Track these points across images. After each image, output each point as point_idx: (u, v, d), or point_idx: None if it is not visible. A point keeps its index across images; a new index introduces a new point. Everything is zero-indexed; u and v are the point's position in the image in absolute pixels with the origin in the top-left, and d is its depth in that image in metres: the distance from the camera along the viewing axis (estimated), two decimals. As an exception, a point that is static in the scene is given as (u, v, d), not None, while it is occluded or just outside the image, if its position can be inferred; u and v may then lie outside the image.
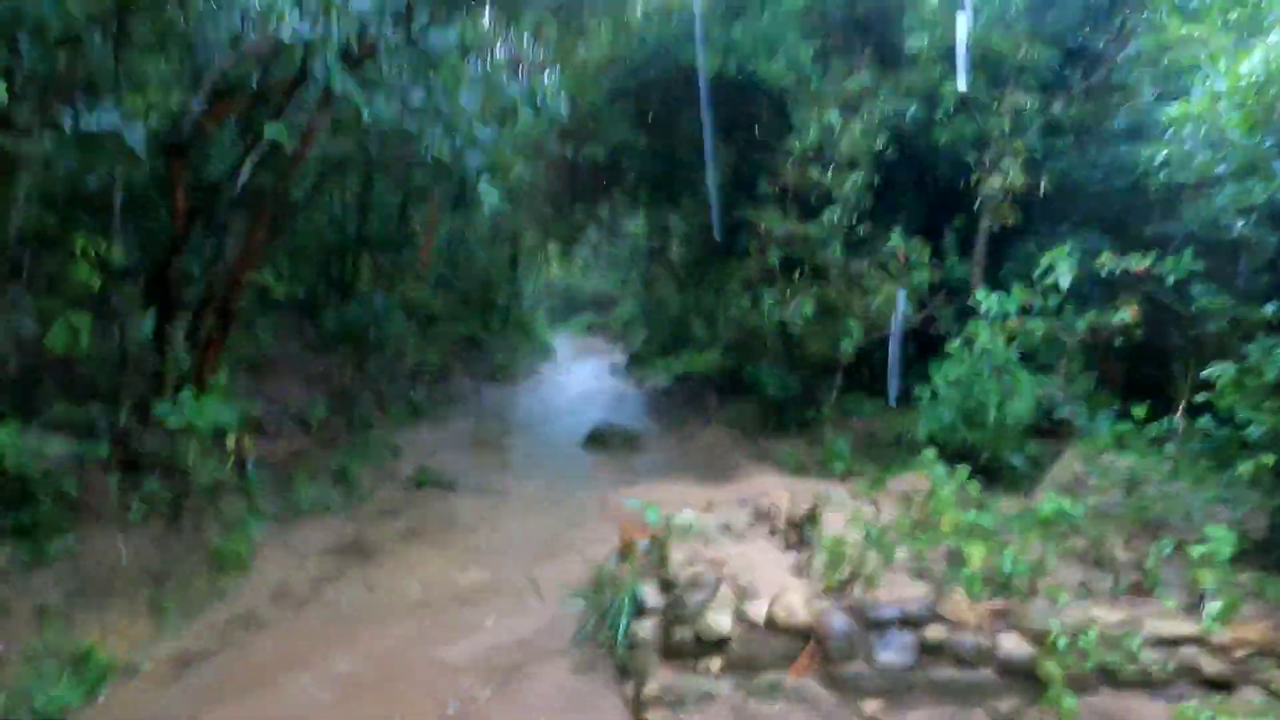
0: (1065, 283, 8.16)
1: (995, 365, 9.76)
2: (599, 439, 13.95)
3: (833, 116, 11.43)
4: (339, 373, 12.79)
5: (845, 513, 7.27)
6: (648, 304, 25.93)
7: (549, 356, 26.82)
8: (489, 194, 7.64)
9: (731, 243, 15.50)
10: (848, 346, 11.07)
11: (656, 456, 13.19)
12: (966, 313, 11.49)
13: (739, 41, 11.48)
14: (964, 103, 10.22)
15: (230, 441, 8.41)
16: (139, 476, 6.74)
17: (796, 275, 11.54)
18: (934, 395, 10.47)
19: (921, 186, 11.77)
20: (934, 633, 5.15)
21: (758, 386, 13.79)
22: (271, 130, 6.54)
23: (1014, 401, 9.88)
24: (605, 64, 11.87)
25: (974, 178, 10.57)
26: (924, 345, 12.22)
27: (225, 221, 8.61)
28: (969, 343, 9.80)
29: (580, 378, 22.53)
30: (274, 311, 12.98)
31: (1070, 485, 8.89)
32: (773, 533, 7.23)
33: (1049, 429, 10.44)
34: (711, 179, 13.03)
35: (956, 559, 6.16)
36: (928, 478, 7.80)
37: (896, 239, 10.62)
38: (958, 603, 5.30)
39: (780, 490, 9.34)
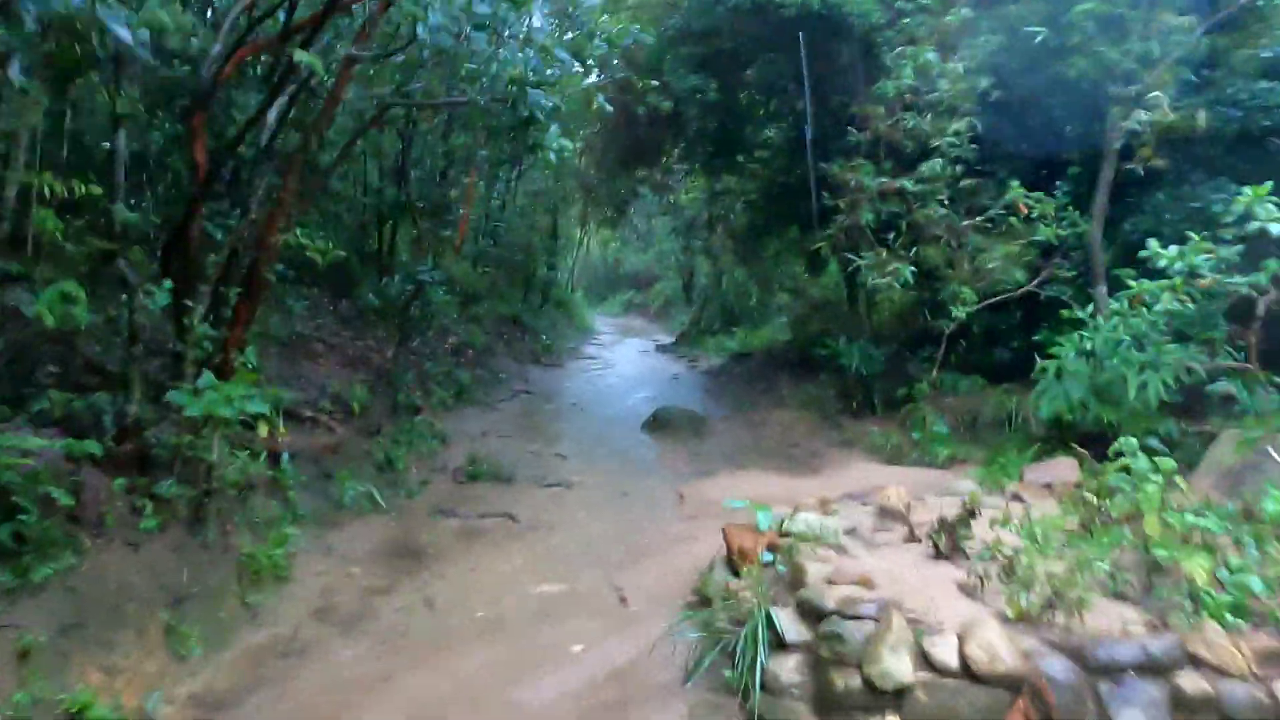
0: (1278, 229, 6.75)
1: (1138, 333, 8.40)
2: (662, 422, 12.73)
3: (929, 55, 10.04)
4: (379, 353, 11.66)
5: (994, 512, 6.05)
6: (698, 277, 24.67)
7: (590, 336, 25.65)
8: (557, 141, 6.38)
9: (800, 205, 14.20)
10: (960, 314, 9.70)
11: (726, 442, 11.94)
12: (1083, 275, 10.15)
13: (823, -29, 10.09)
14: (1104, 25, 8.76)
15: (262, 431, 7.31)
16: (152, 477, 5.60)
17: (891, 236, 10.19)
18: (1058, 370, 9.14)
19: (1026, 133, 10.33)
20: (1190, 682, 3.87)
21: (836, 363, 12.50)
22: (302, 57, 5.32)
23: (1156, 376, 8.51)
24: (669, 2, 10.52)
25: (1115, 113, 9.09)
26: (1030, 313, 10.87)
27: (250, 178, 7.41)
28: (1122, 307, 8.40)
29: (627, 357, 21.32)
30: (307, 285, 11.88)
31: (1236, 474, 7.55)
32: (911, 539, 5.95)
33: (1183, 407, 9.10)
34: (784, 131, 11.72)
35: (1159, 572, 4.89)
36: (1084, 466, 6.55)
37: (1016, 191, 9.23)
38: (1213, 639, 4.02)
39: (891, 484, 8.10)
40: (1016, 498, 7.07)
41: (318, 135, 7.14)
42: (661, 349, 23.14)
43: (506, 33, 7.22)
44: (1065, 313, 9.89)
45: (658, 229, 30.82)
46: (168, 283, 6.16)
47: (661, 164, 16.10)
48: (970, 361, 11.59)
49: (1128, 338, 8.43)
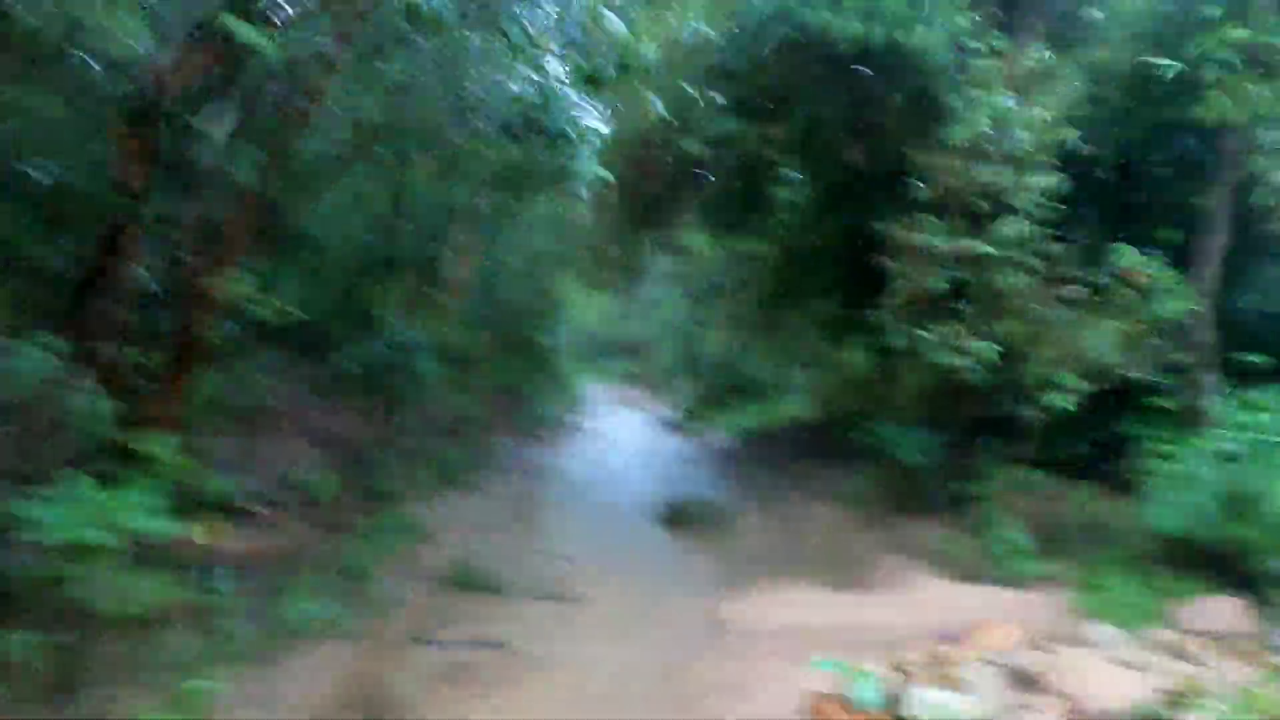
0: None
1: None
2: (680, 516, 11.01)
3: (1006, 101, 8.67)
4: (356, 428, 9.98)
5: (1162, 680, 4.37)
6: (704, 347, 23.12)
7: (589, 408, 23.98)
8: (592, 168, 4.87)
9: (832, 270, 12.76)
10: (1059, 402, 8.09)
11: (758, 543, 10.20)
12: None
13: (883, 4, 8.74)
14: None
15: (197, 534, 5.62)
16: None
17: (960, 307, 8.66)
18: (1172, 473, 7.56)
19: (1113, 192, 8.91)
20: None
21: (882, 449, 10.85)
22: (239, 28, 3.80)
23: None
24: (703, 39, 9.21)
25: (1250, 162, 7.66)
26: (1106, 398, 9.29)
27: (198, 212, 5.86)
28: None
29: (630, 433, 19.64)
30: (276, 347, 10.24)
31: None
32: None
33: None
34: (819, 186, 10.33)
35: None
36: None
37: (1130, 256, 7.75)
38: None
39: (984, 614, 6.44)
40: (1175, 653, 5.39)
41: (279, 158, 5.58)
42: (666, 424, 21.49)
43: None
44: (1154, 400, 8.38)
45: (657, 296, 29.38)
46: (58, 341, 4.52)
47: (676, 223, 14.68)
48: (1043, 455, 9.96)
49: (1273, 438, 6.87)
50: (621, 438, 18.77)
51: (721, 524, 10.83)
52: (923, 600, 7.89)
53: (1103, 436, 9.48)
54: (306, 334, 10.66)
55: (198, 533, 5.89)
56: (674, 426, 20.89)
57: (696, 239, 16.42)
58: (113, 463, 4.65)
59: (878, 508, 10.66)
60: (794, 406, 16.42)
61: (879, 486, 10.89)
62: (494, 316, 18.04)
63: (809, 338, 15.01)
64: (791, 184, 12.44)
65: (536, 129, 5.34)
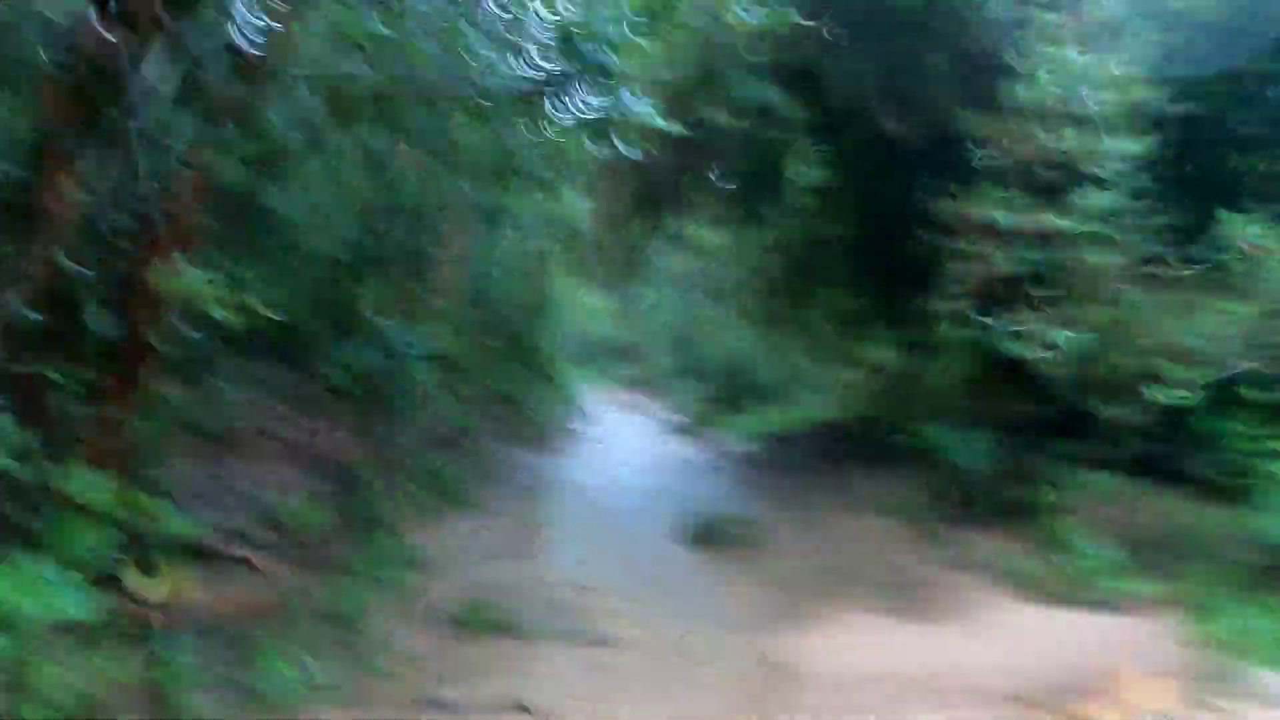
0: None
1: None
2: (708, 532, 9.89)
3: (1080, 57, 7.62)
4: (345, 446, 8.81)
5: None
6: (709, 347, 21.98)
7: (589, 414, 22.81)
8: (644, 104, 3.78)
9: (861, 256, 11.69)
10: (1161, 397, 7.00)
11: (798, 561, 9.09)
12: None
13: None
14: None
15: (155, 588, 4.49)
16: None
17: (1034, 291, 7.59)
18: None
19: (1213, 156, 7.87)
20: None
21: (929, 453, 9.80)
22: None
23: None
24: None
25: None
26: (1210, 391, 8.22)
27: (137, 188, 4.69)
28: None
29: (636, 440, 18.49)
30: (249, 356, 9.06)
31: None
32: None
33: None
34: (851, 159, 9.26)
35: None
36: None
37: (1242, 227, 6.68)
38: None
39: (1097, 652, 5.39)
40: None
41: (233, 123, 4.44)
42: (674, 429, 20.37)
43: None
44: (1256, 391, 7.33)
45: (661, 293, 28.26)
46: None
47: (686, 212, 13.56)
48: (1116, 456, 8.89)
49: None
50: (629, 445, 17.62)
51: (755, 541, 9.70)
52: (1009, 631, 6.82)
53: (1184, 434, 8.44)
54: (285, 341, 9.49)
55: (154, 588, 4.75)
56: (683, 431, 19.78)
57: (706, 230, 15.32)
58: (27, 513, 3.50)
59: (928, 519, 9.58)
60: (817, 407, 15.33)
61: (928, 494, 9.81)
62: (489, 319, 16.91)
63: (833, 333, 13.93)
64: (818, 162, 11.35)
65: (563, 69, 4.24)
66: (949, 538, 9.01)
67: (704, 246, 16.47)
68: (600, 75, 4.36)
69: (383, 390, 9.37)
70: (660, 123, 4.58)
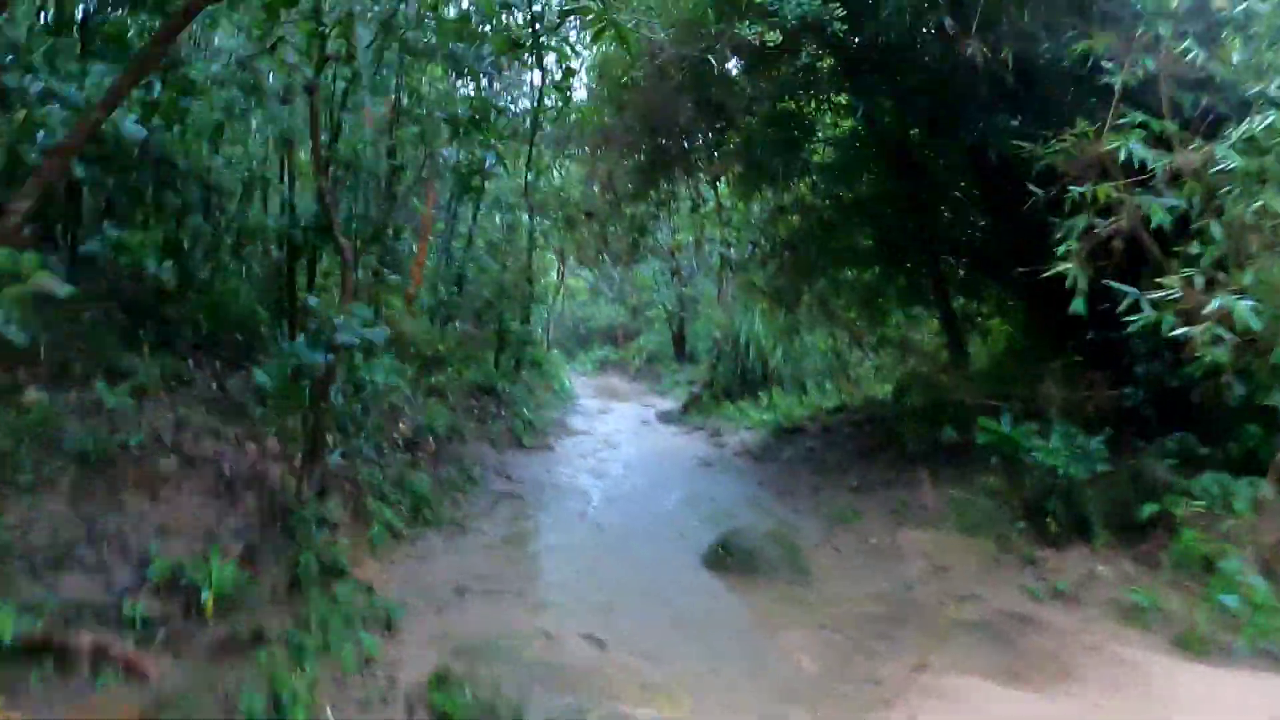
0: None
1: None
2: (731, 555, 8.06)
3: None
4: (280, 464, 6.90)
5: None
6: (700, 326, 20.19)
7: (573, 403, 20.97)
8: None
9: (911, 217, 9.90)
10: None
11: (854, 595, 7.30)
12: None
13: None
14: None
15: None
16: None
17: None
18: None
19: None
20: None
21: (1006, 451, 8.07)
22: None
23: None
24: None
25: None
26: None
27: None
28: None
29: (627, 432, 16.66)
30: (177, 353, 7.17)
31: None
32: None
33: None
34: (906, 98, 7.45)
35: None
36: None
37: None
38: None
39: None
40: None
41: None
42: (666, 419, 18.59)
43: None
44: None
45: (655, 271, 26.46)
46: None
47: (693, 173, 11.67)
48: (1232, 455, 7.18)
49: None
50: (620, 438, 15.81)
51: (796, 566, 7.93)
52: (1179, 704, 5.06)
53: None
54: (203, 335, 7.63)
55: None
56: (676, 421, 18.01)
57: (714, 194, 13.47)
58: None
59: (1008, 533, 7.84)
60: (839, 395, 13.56)
61: (1012, 505, 8.06)
62: (462, 303, 15.05)
63: (858, 308, 12.15)
64: (852, 108, 9.52)
65: None
66: (1036, 558, 7.28)
67: (710, 214, 14.59)
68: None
69: (338, 393, 7.49)
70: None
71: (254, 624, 4.90)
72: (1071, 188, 6.05)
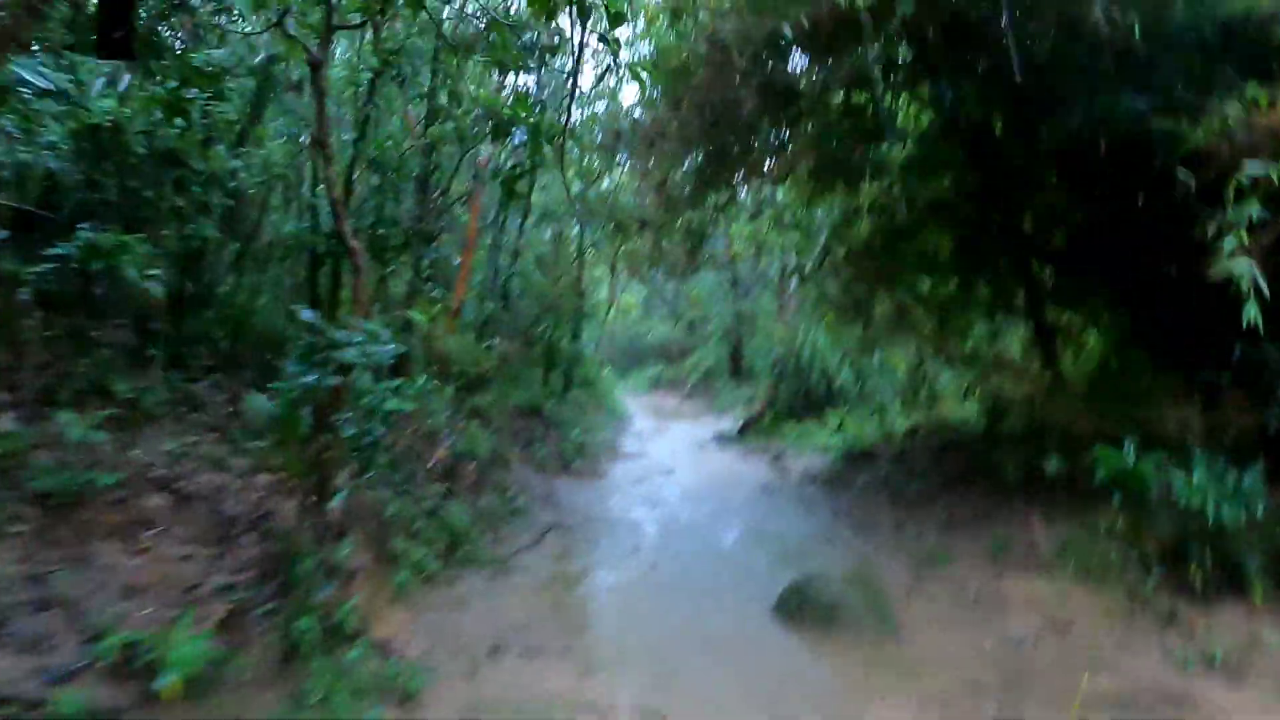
0: None
1: None
2: (810, 607, 6.94)
3: None
4: (292, 500, 6.04)
5: None
6: (758, 343, 19.09)
7: (624, 424, 20.01)
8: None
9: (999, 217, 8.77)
10: None
11: (961, 659, 6.16)
12: None
13: None
14: None
15: None
16: None
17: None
18: None
19: None
20: None
21: (1132, 487, 6.86)
22: None
23: None
24: None
25: None
26: None
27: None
28: None
29: (682, 456, 15.61)
30: (190, 374, 6.38)
31: None
32: None
33: None
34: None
35: None
36: None
37: None
38: None
39: None
40: None
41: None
42: (723, 440, 17.49)
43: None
44: None
45: (713, 284, 25.43)
46: None
47: (756, 176, 10.65)
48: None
49: None
50: (674, 462, 14.79)
51: (879, 616, 6.81)
52: None
53: None
54: (220, 353, 6.85)
55: None
56: (734, 443, 16.92)
57: (778, 198, 12.43)
58: None
59: (1140, 587, 6.62)
60: (915, 417, 12.37)
61: (1130, 548, 6.84)
62: (509, 319, 14.21)
63: (936, 321, 10.98)
64: (936, 98, 8.43)
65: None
66: (1202, 623, 6.05)
67: (773, 220, 13.53)
68: None
69: (331, 428, 6.61)
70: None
71: (231, 710, 3.98)
72: (1248, 164, 4.91)
